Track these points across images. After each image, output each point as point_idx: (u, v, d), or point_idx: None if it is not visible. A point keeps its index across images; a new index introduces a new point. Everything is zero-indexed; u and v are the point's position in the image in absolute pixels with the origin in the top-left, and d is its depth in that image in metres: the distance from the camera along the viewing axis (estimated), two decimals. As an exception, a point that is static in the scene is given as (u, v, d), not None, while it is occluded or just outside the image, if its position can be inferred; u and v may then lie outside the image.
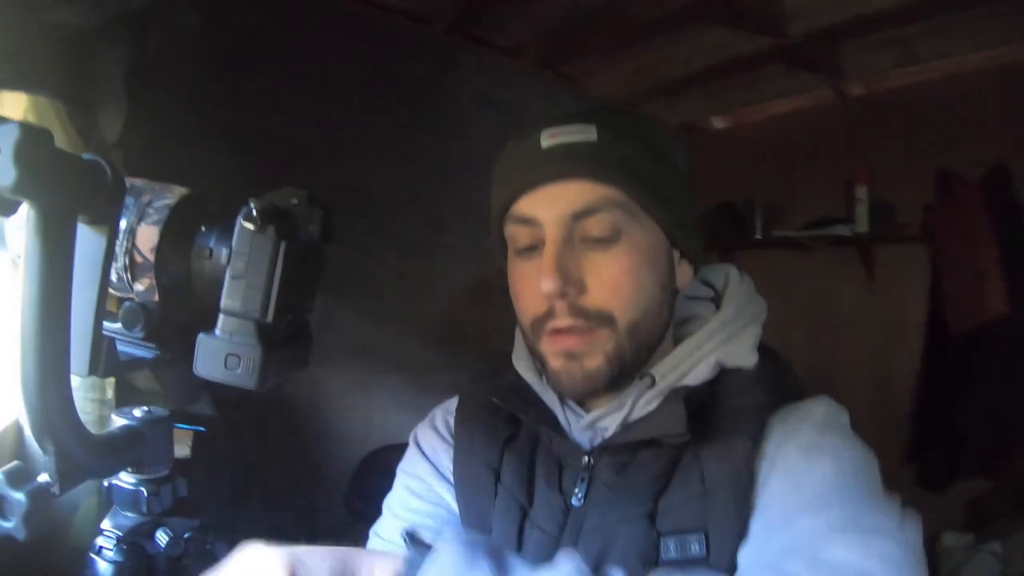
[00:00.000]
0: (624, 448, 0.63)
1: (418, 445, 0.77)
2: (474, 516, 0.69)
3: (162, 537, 0.58)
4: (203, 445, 1.20)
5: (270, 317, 0.50)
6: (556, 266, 0.60)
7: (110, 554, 0.56)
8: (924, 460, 2.36)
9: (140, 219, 0.51)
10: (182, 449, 1.09)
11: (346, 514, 1.89)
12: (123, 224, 0.51)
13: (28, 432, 0.43)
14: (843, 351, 2.71)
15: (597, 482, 0.64)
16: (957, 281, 2.30)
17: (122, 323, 0.52)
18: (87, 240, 0.47)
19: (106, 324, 0.52)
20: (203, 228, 0.53)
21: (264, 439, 1.90)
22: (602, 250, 0.61)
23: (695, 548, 0.57)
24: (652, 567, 0.57)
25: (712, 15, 2.14)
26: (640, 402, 0.64)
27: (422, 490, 0.74)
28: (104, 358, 0.50)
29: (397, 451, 0.80)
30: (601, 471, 0.64)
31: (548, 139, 0.62)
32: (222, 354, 0.50)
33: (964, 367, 2.27)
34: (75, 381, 0.47)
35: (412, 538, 0.43)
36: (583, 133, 0.62)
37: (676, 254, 0.67)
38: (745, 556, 0.55)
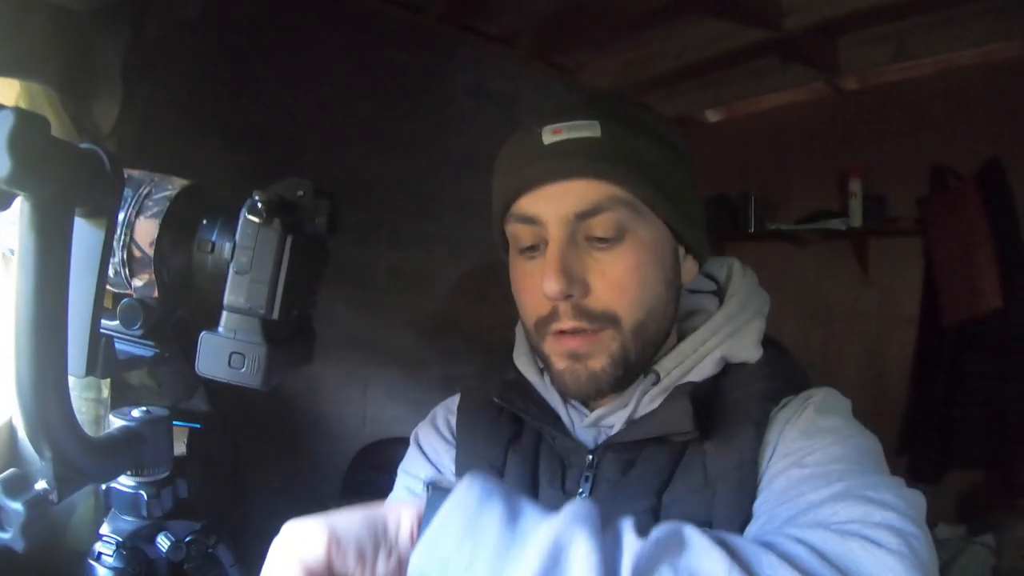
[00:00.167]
0: (629, 446, 0.62)
1: (419, 445, 0.76)
2: None
3: (163, 542, 0.56)
4: (199, 442, 1.18)
5: (276, 314, 0.48)
6: (559, 267, 0.58)
7: (110, 560, 0.54)
8: (917, 452, 2.37)
9: (139, 212, 0.49)
10: (178, 447, 1.07)
11: (342, 508, 1.88)
12: (121, 217, 0.49)
13: (23, 436, 0.41)
14: (836, 344, 2.72)
15: (601, 480, 0.63)
16: (950, 275, 2.31)
17: (120, 320, 0.50)
18: (84, 234, 0.44)
19: (103, 322, 0.50)
20: (205, 221, 0.51)
21: (260, 434, 1.88)
22: (607, 250, 0.60)
23: None
24: None
25: (707, 7, 2.13)
26: (645, 399, 0.62)
27: (423, 491, 0.72)
28: (102, 357, 0.48)
29: (392, 445, 0.79)
30: (605, 469, 0.63)
31: (551, 135, 0.60)
32: (226, 352, 0.48)
33: (957, 360, 2.28)
34: (70, 380, 0.45)
35: (433, 486, 0.43)
36: (587, 129, 0.60)
37: (681, 250, 0.66)
38: (750, 533, 0.54)
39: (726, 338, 0.65)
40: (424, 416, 0.80)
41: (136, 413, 0.56)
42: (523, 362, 0.71)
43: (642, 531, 0.42)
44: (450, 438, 0.74)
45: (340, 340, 2.07)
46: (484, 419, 0.71)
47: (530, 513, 0.41)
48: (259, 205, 0.46)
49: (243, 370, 0.47)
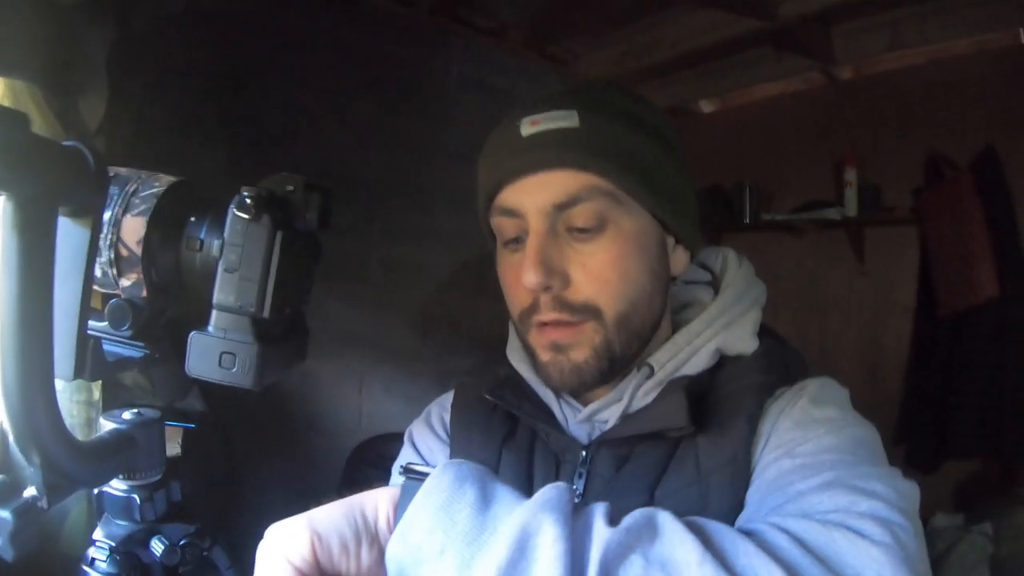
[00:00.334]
0: (623, 441, 0.61)
1: (413, 443, 0.75)
2: None
3: (157, 546, 0.55)
4: (193, 441, 1.17)
5: (267, 312, 0.47)
6: (538, 259, 0.58)
7: (103, 565, 0.53)
8: (914, 441, 2.38)
9: (125, 210, 0.48)
10: (172, 447, 1.06)
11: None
12: (107, 215, 0.48)
13: (11, 442, 0.40)
14: (832, 334, 2.72)
15: (595, 477, 0.62)
16: (946, 264, 2.32)
17: (108, 321, 0.49)
18: (69, 233, 0.43)
19: (91, 323, 0.49)
20: (193, 218, 0.49)
21: (255, 432, 1.87)
22: (587, 241, 0.59)
23: None
24: None
25: (702, -4, 2.12)
26: (639, 393, 0.62)
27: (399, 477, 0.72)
28: (90, 360, 0.47)
29: (389, 441, 0.78)
30: (599, 466, 0.62)
31: (529, 126, 0.60)
32: (216, 352, 0.47)
33: (953, 349, 2.29)
34: (59, 383, 0.44)
35: (408, 470, 0.43)
36: (564, 119, 0.59)
37: (670, 240, 0.65)
38: (739, 523, 0.53)
39: (721, 330, 0.64)
40: (420, 411, 0.79)
41: (127, 415, 0.55)
42: (516, 357, 0.70)
43: (616, 519, 0.41)
44: (444, 436, 0.73)
45: (335, 336, 2.07)
46: (478, 417, 0.70)
47: (503, 499, 0.40)
48: (248, 201, 0.45)
49: (234, 370, 0.46)
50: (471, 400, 0.72)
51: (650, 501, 0.58)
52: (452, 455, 0.71)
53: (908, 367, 2.49)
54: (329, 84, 2.07)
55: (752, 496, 0.54)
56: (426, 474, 0.41)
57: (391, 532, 0.40)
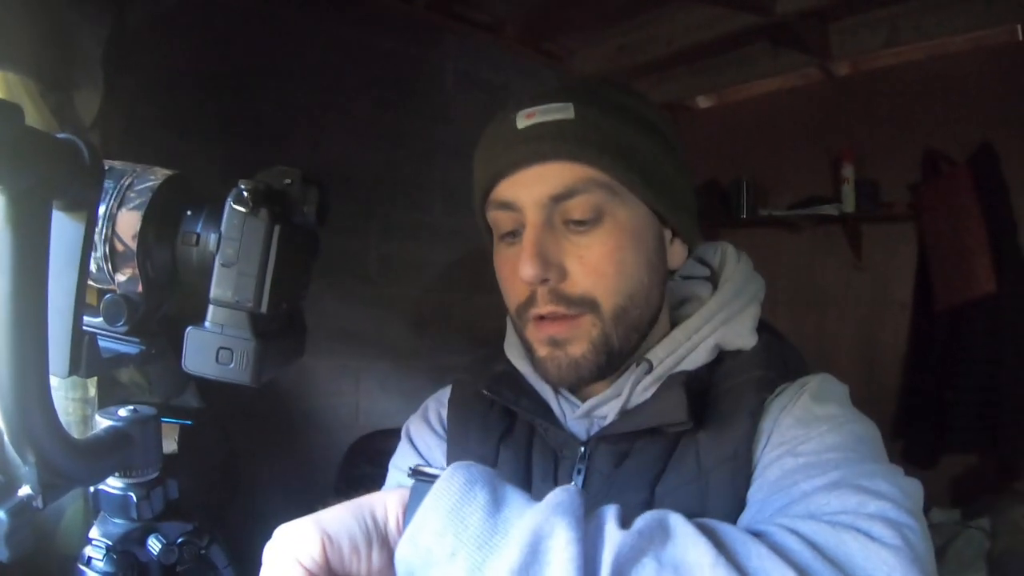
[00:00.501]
0: (622, 437, 0.61)
1: (410, 439, 0.75)
2: None
3: (154, 544, 0.54)
4: (190, 438, 1.17)
5: (264, 307, 0.46)
6: (535, 252, 0.57)
7: (100, 564, 0.52)
8: (910, 437, 2.39)
9: (120, 204, 0.47)
10: (169, 444, 1.05)
11: (336, 502, 1.87)
12: (102, 210, 0.47)
13: (5, 440, 0.40)
14: (830, 330, 2.73)
15: (594, 473, 0.62)
16: (943, 260, 2.32)
17: (103, 317, 0.49)
18: (63, 228, 0.43)
19: (86, 319, 0.48)
20: (189, 212, 0.49)
21: (252, 428, 1.87)
22: (584, 233, 0.59)
23: None
24: None
25: (698, -8, 2.11)
26: (638, 388, 0.61)
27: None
28: (85, 356, 0.46)
29: (386, 437, 0.78)
30: (598, 461, 0.62)
31: (524, 119, 0.59)
32: (213, 348, 0.46)
33: (950, 344, 2.29)
34: (54, 380, 0.43)
35: (416, 472, 0.42)
36: (560, 111, 0.59)
37: (668, 234, 0.65)
38: (742, 522, 0.53)
39: (720, 325, 0.63)
40: (417, 408, 0.78)
41: (123, 412, 0.54)
42: (514, 353, 0.69)
43: (627, 521, 0.41)
44: (441, 432, 0.73)
45: (331, 332, 2.06)
46: (475, 413, 0.70)
47: (513, 502, 0.40)
48: (245, 194, 0.44)
49: (231, 366, 0.46)
50: (468, 396, 0.71)
51: (650, 498, 0.57)
52: (449, 451, 0.70)
53: (905, 363, 2.50)
54: (325, 81, 2.06)
55: (755, 495, 0.54)
56: (436, 476, 0.41)
57: (401, 534, 0.40)
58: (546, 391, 0.66)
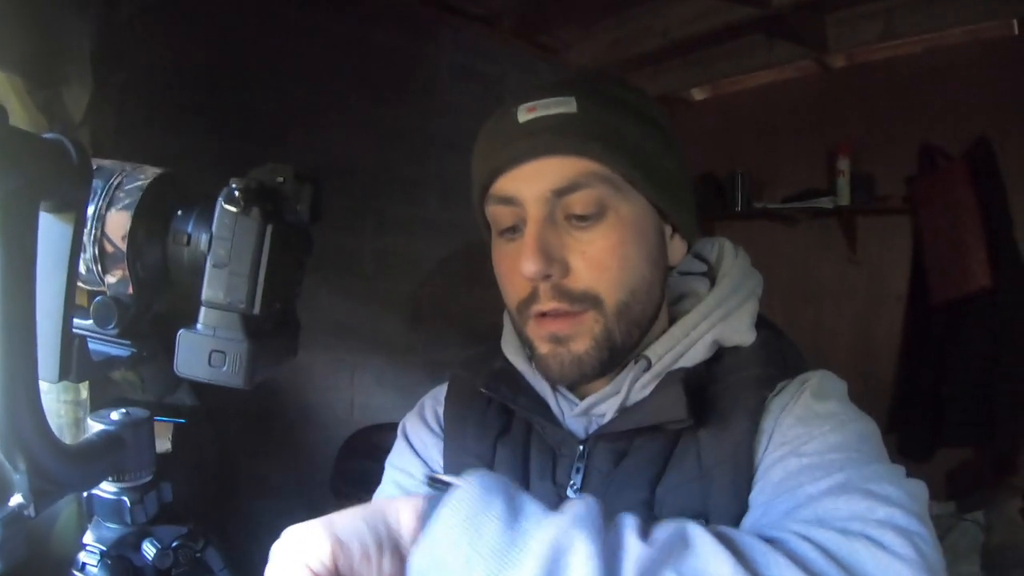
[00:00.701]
0: (621, 435, 0.60)
1: (407, 438, 0.74)
2: None
3: (149, 549, 0.54)
4: (184, 435, 1.16)
5: (257, 308, 0.46)
6: (537, 247, 0.56)
7: (94, 570, 0.52)
8: (906, 430, 2.39)
9: (109, 204, 0.47)
10: (163, 443, 1.05)
11: (332, 497, 1.87)
12: (91, 210, 0.46)
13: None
14: (825, 323, 2.73)
15: (592, 471, 0.61)
16: (939, 253, 2.32)
17: (94, 319, 0.48)
18: (51, 229, 0.42)
19: (77, 321, 0.47)
20: (179, 212, 0.48)
21: (247, 425, 1.86)
22: (586, 228, 0.58)
23: None
24: None
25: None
26: (636, 386, 0.61)
27: (411, 486, 0.70)
28: (76, 360, 0.45)
29: (381, 432, 0.77)
30: (597, 460, 0.61)
31: (526, 113, 0.59)
32: (205, 350, 0.46)
33: (946, 338, 2.29)
34: (45, 384, 0.43)
35: (433, 480, 0.42)
36: (562, 105, 0.58)
37: (668, 229, 0.64)
38: (747, 525, 0.53)
39: (718, 321, 0.63)
40: (413, 402, 0.78)
41: (115, 416, 0.54)
42: (511, 350, 0.69)
43: (643, 530, 0.40)
44: (438, 430, 0.72)
45: (327, 327, 2.05)
46: (472, 410, 0.69)
47: (531, 513, 0.40)
48: (236, 193, 0.44)
49: (224, 369, 0.45)
50: (465, 394, 0.71)
51: (651, 497, 0.57)
52: (446, 449, 0.69)
53: (901, 356, 2.50)
54: (320, 75, 2.05)
55: (758, 497, 0.53)
56: (451, 484, 0.40)
57: (415, 543, 0.39)
58: (544, 389, 0.66)
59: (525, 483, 0.64)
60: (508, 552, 0.37)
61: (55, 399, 0.83)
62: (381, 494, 0.72)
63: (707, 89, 3.13)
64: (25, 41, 0.69)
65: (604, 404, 0.62)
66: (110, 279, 0.48)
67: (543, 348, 0.60)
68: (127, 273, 0.47)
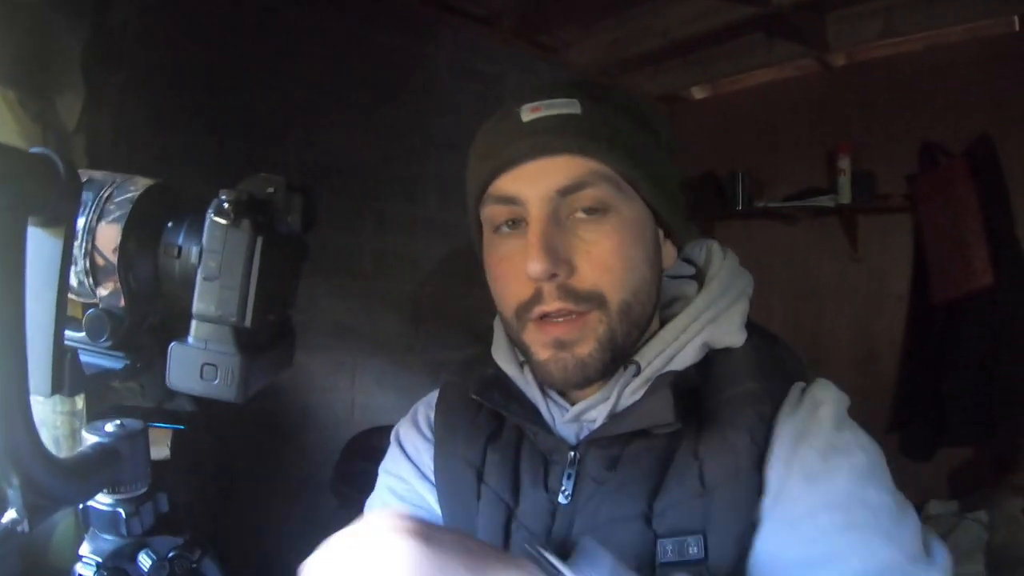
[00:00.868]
0: (613, 441, 0.60)
1: (400, 444, 0.74)
2: (457, 517, 0.66)
3: (145, 561, 0.53)
4: (184, 442, 1.15)
5: (248, 321, 0.45)
6: (543, 246, 0.56)
7: (91, 583, 0.52)
8: (908, 429, 2.39)
9: (100, 217, 0.46)
10: (161, 450, 1.04)
11: (333, 498, 1.87)
12: (81, 222, 0.46)
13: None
14: (826, 321, 2.73)
15: (584, 477, 0.61)
16: (940, 252, 2.31)
17: (86, 332, 0.48)
18: (40, 244, 0.42)
19: (69, 333, 0.47)
20: (170, 223, 0.48)
21: (247, 427, 1.86)
22: (591, 228, 0.58)
23: (693, 550, 0.55)
24: (647, 570, 0.55)
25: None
26: (627, 391, 0.61)
27: (404, 491, 0.71)
28: (68, 373, 0.45)
29: (382, 433, 0.77)
30: (588, 466, 0.61)
31: (530, 113, 0.59)
32: (197, 364, 0.45)
33: (947, 337, 2.29)
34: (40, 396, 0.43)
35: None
36: (566, 106, 0.58)
37: (660, 232, 0.64)
38: (763, 558, 0.53)
39: (708, 323, 0.63)
40: (414, 403, 0.78)
41: (110, 427, 0.53)
42: (502, 357, 0.68)
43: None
44: (429, 435, 0.72)
45: (326, 328, 2.06)
46: (463, 415, 0.69)
47: None
48: (226, 205, 0.43)
49: (216, 382, 0.45)
50: (456, 399, 0.71)
51: (649, 510, 0.57)
52: (437, 454, 0.70)
53: (902, 355, 2.50)
54: (319, 75, 2.04)
55: (775, 530, 0.53)
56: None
57: None
58: (535, 395, 0.65)
59: (516, 489, 0.64)
60: None
61: (51, 410, 0.83)
62: (375, 499, 0.72)
63: (707, 88, 3.13)
64: (14, 52, 0.69)
65: (594, 410, 0.62)
66: (102, 291, 0.48)
67: (543, 354, 0.60)
68: (119, 286, 0.47)
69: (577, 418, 0.63)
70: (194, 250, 0.46)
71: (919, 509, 2.21)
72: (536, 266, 0.56)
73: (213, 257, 0.44)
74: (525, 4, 2.31)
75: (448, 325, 2.35)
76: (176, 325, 0.47)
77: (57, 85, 0.75)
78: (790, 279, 2.76)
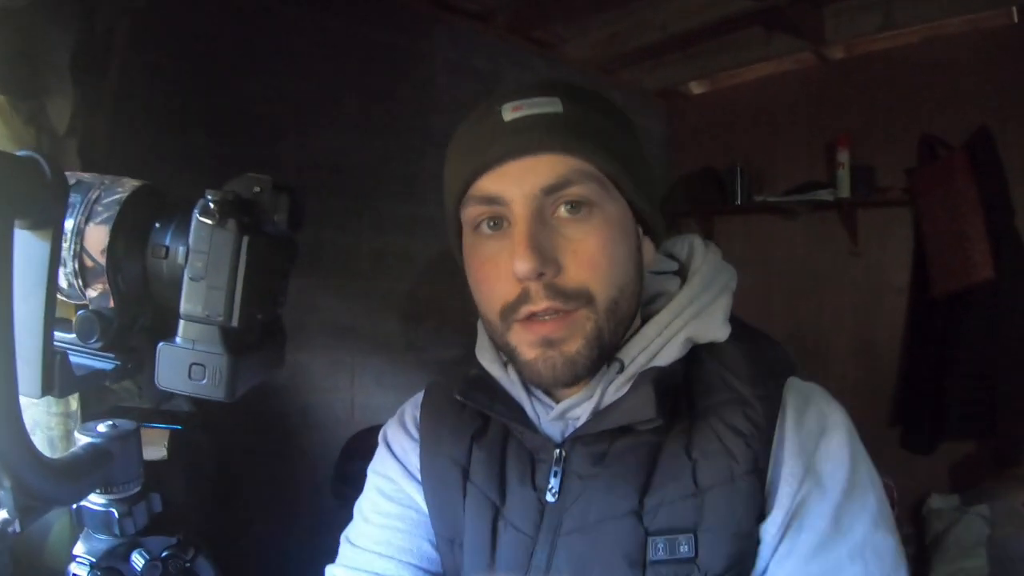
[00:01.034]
0: (598, 438, 0.60)
1: (387, 444, 0.74)
2: (444, 515, 0.67)
3: (138, 560, 0.54)
4: (181, 442, 1.16)
5: (235, 321, 0.45)
6: (530, 245, 0.55)
7: (85, 582, 0.52)
8: (909, 423, 2.38)
9: (88, 218, 0.47)
10: (158, 450, 1.05)
11: (332, 499, 1.87)
12: (70, 224, 0.46)
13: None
14: (826, 315, 2.72)
15: (571, 475, 0.61)
16: (940, 245, 2.30)
17: (76, 334, 0.48)
18: (28, 247, 0.42)
19: (60, 335, 0.47)
20: (158, 224, 0.48)
21: (246, 427, 1.86)
22: (575, 226, 0.58)
23: (684, 548, 0.55)
24: (638, 568, 0.55)
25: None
26: (610, 388, 0.61)
27: (392, 491, 0.71)
28: (58, 375, 0.45)
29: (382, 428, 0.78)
30: (574, 463, 0.61)
31: (512, 112, 0.58)
32: (185, 364, 0.46)
33: (947, 330, 2.28)
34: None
35: None
36: (548, 105, 0.58)
37: (639, 230, 0.64)
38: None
39: (691, 318, 0.63)
40: None
41: (102, 428, 0.54)
42: (486, 357, 0.68)
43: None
44: (415, 435, 0.72)
45: (325, 328, 2.06)
46: (448, 415, 0.69)
47: None
48: (211, 206, 0.43)
49: (204, 382, 0.45)
50: (441, 400, 0.71)
51: (640, 508, 0.57)
52: (423, 453, 0.70)
53: (902, 349, 2.49)
54: (314, 73, 2.04)
55: (792, 564, 0.55)
56: None
57: None
58: (519, 394, 0.65)
59: (502, 487, 0.64)
60: None
61: (45, 411, 0.83)
62: (365, 500, 0.72)
63: (706, 82, 3.12)
64: (3, 57, 0.69)
65: (579, 408, 0.62)
66: (91, 293, 0.48)
67: (530, 353, 0.59)
68: (108, 287, 0.47)
69: (562, 416, 0.63)
70: (181, 250, 0.46)
71: (920, 503, 2.22)
72: (524, 265, 0.55)
73: (199, 257, 0.44)
74: (520, 0, 2.31)
75: (448, 323, 2.35)
76: (166, 326, 0.48)
77: (47, 89, 0.75)
78: (790, 273, 2.76)
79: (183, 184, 0.51)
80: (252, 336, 0.49)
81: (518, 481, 0.63)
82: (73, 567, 0.54)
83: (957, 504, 2.05)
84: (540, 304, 0.57)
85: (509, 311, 0.59)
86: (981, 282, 2.16)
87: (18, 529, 0.43)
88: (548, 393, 0.65)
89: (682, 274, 0.68)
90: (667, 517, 0.56)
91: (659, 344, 0.62)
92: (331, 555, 0.71)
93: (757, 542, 0.56)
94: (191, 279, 0.44)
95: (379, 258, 2.23)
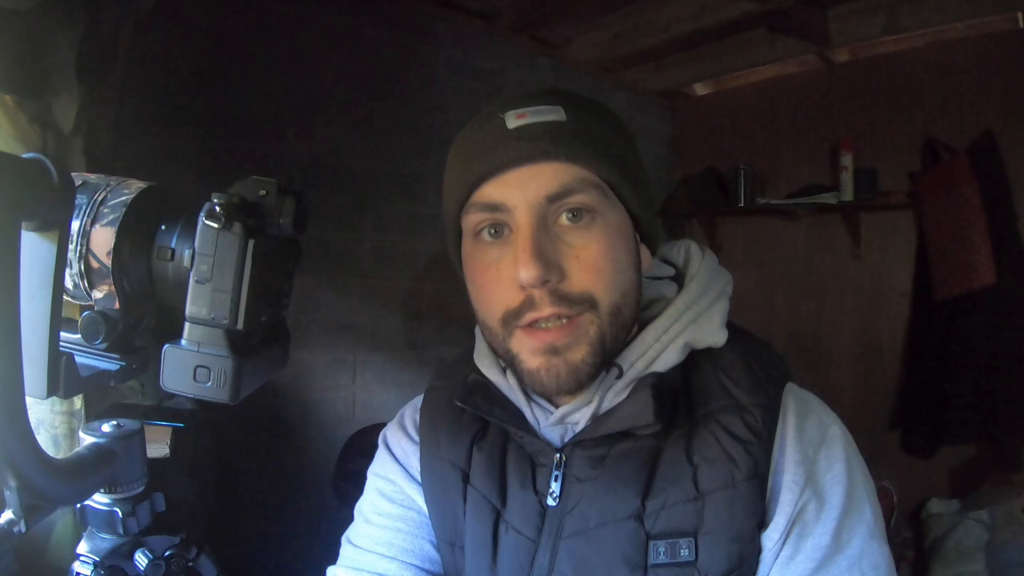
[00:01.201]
0: (598, 443, 0.61)
1: (387, 446, 0.74)
2: (444, 518, 0.67)
3: (141, 559, 0.54)
4: (183, 440, 1.16)
5: (241, 324, 0.46)
6: (534, 252, 0.56)
7: (88, 581, 0.52)
8: (909, 427, 2.38)
9: (94, 220, 0.47)
10: (160, 448, 1.05)
11: (333, 497, 1.88)
12: (76, 226, 0.47)
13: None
14: (828, 318, 2.72)
15: (571, 479, 0.61)
16: (943, 249, 2.30)
17: (82, 334, 0.48)
18: (34, 248, 0.42)
19: (66, 336, 0.48)
20: (163, 226, 0.48)
21: (248, 425, 1.87)
22: (577, 233, 0.58)
23: (685, 552, 0.56)
24: (639, 571, 0.56)
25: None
26: (609, 394, 0.61)
27: (393, 493, 0.71)
28: (64, 375, 0.46)
29: (381, 431, 0.78)
30: (574, 467, 0.61)
31: (515, 119, 0.58)
32: (190, 366, 0.46)
33: (949, 335, 2.27)
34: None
35: None
36: (552, 113, 0.58)
37: (637, 236, 0.64)
38: None
39: (689, 323, 0.63)
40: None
41: (106, 428, 0.54)
42: (485, 364, 0.68)
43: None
44: (416, 437, 0.73)
45: (327, 326, 2.06)
46: (447, 418, 0.69)
47: None
48: (217, 209, 0.44)
49: (209, 384, 0.45)
50: (440, 403, 0.71)
51: (642, 511, 0.57)
52: (423, 456, 0.70)
53: (904, 352, 2.49)
54: (317, 72, 2.04)
55: (796, 556, 0.55)
56: None
57: None
58: (519, 399, 0.65)
59: (503, 491, 0.64)
60: None
61: (49, 410, 0.84)
62: (365, 502, 0.73)
63: (710, 84, 3.12)
64: (9, 56, 0.70)
65: (578, 413, 0.62)
66: (97, 294, 0.48)
67: (533, 362, 0.59)
68: (113, 288, 0.48)
69: (561, 421, 0.63)
70: (187, 253, 0.46)
71: (920, 507, 2.22)
72: (528, 273, 0.55)
73: (205, 260, 0.45)
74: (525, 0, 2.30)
75: (449, 321, 2.36)
76: (171, 327, 0.48)
77: (53, 87, 0.75)
78: (792, 276, 2.75)
79: (187, 181, 0.51)
80: (256, 338, 0.49)
81: (519, 485, 0.63)
82: (77, 566, 0.55)
83: (957, 509, 2.05)
84: (545, 310, 0.57)
85: (511, 318, 0.59)
86: (983, 287, 2.15)
87: (23, 529, 0.43)
88: (551, 398, 0.65)
89: (678, 279, 0.68)
90: (668, 521, 0.56)
91: (657, 350, 0.62)
92: (333, 553, 0.71)
93: (758, 548, 0.56)
94: (197, 282, 0.45)
95: (381, 256, 2.23)
